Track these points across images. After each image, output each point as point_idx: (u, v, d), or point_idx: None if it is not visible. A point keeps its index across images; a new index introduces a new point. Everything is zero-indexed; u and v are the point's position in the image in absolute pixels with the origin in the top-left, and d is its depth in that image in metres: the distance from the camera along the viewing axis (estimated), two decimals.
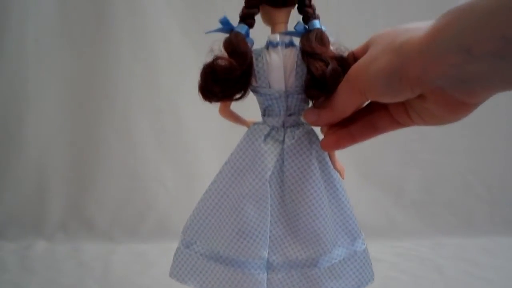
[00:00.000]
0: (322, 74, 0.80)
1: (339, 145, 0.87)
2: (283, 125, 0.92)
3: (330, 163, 0.96)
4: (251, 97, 0.93)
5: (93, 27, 2.07)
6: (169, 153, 2.14)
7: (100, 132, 2.11)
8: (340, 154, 2.35)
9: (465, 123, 2.37)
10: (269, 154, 0.92)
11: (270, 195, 0.94)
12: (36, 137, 2.08)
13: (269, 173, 0.92)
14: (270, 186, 0.93)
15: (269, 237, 0.96)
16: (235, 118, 0.99)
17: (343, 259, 0.99)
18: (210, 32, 0.88)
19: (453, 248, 1.88)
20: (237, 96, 0.89)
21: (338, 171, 0.98)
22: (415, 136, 2.19)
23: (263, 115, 0.94)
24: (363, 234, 1.02)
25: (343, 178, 0.99)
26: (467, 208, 2.14)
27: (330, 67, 0.81)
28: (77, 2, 2.06)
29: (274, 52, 0.86)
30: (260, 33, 0.91)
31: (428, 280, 1.62)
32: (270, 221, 0.95)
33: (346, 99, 0.77)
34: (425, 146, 2.19)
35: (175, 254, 1.04)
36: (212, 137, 2.09)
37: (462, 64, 0.55)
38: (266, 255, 0.96)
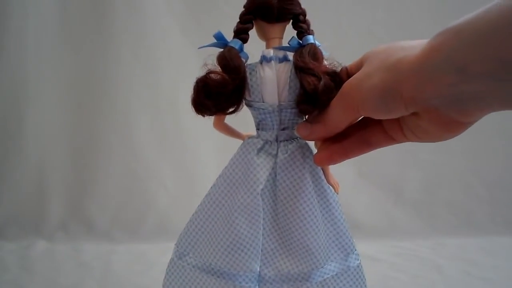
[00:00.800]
0: (314, 89, 0.80)
1: (332, 160, 0.86)
2: (277, 139, 0.92)
3: (323, 177, 0.95)
4: (248, 111, 0.93)
5: (93, 27, 2.07)
6: (169, 153, 2.14)
7: (100, 132, 2.11)
8: None
9: None
10: (262, 167, 0.92)
11: (263, 209, 0.94)
12: (36, 137, 2.08)
13: (261, 186, 0.92)
14: (263, 199, 0.94)
15: (261, 250, 0.96)
16: (230, 132, 1.00)
17: (336, 274, 0.97)
18: (204, 47, 0.89)
19: (453, 248, 1.88)
20: (230, 110, 0.89)
21: (332, 186, 0.97)
22: None
23: (257, 128, 0.95)
24: (356, 249, 1.00)
25: (337, 193, 0.98)
26: (467, 208, 2.14)
27: (322, 82, 0.80)
28: (77, 2, 2.06)
29: (268, 66, 0.87)
30: (257, 48, 0.92)
31: (428, 280, 1.62)
32: (263, 235, 0.95)
33: (339, 114, 0.77)
34: (425, 146, 2.19)
35: (168, 266, 1.04)
36: (212, 137, 2.09)
37: (457, 84, 0.54)
38: (258, 269, 0.95)
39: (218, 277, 0.98)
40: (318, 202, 0.95)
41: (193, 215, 1.03)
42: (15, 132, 2.07)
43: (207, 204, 1.00)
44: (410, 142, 2.39)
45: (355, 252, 1.00)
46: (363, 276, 1.01)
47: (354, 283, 1.00)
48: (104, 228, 2.00)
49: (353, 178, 2.15)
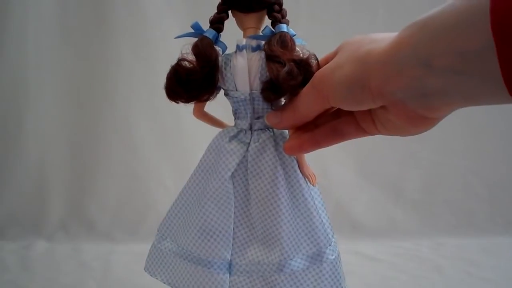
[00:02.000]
0: (276, 75, 0.81)
1: (302, 148, 0.85)
2: (251, 128, 0.94)
3: (297, 168, 0.94)
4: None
5: (93, 27, 2.06)
6: (169, 153, 2.13)
7: (100, 132, 2.11)
8: (340, 154, 2.34)
9: (465, 123, 2.37)
10: (231, 154, 0.94)
11: (236, 198, 0.95)
12: (36, 137, 2.08)
13: (229, 173, 0.94)
14: (236, 188, 0.95)
15: (234, 239, 0.96)
16: (211, 120, 1.03)
17: (307, 268, 0.97)
18: (180, 37, 0.92)
19: (453, 248, 1.88)
20: (204, 98, 0.93)
21: (307, 177, 0.96)
22: (415, 136, 2.18)
23: (234, 118, 0.97)
24: (333, 244, 0.99)
25: (313, 184, 0.97)
26: (467, 208, 2.13)
27: (285, 68, 0.81)
28: (77, 2, 2.06)
29: (240, 55, 0.88)
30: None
31: (428, 280, 1.62)
32: (235, 223, 0.96)
33: (309, 103, 0.76)
34: (425, 146, 2.19)
35: (150, 249, 1.08)
36: (212, 137, 2.09)
37: (421, 78, 0.54)
38: (229, 257, 0.97)
39: (193, 263, 0.99)
40: (291, 193, 0.95)
41: (173, 202, 1.07)
42: (15, 132, 2.07)
43: (184, 191, 1.05)
44: (410, 142, 2.38)
45: (329, 247, 0.98)
46: (339, 271, 1.00)
47: (327, 278, 0.98)
48: (104, 228, 2.00)
49: (353, 178, 2.15)
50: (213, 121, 1.04)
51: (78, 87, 2.10)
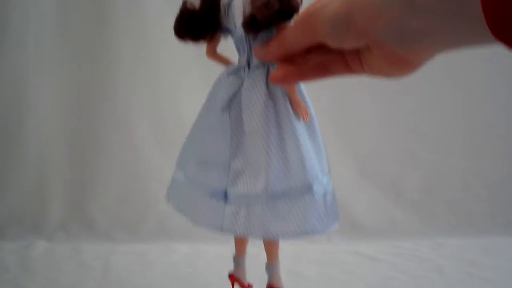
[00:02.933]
0: (253, 7, 0.89)
1: (287, 79, 0.89)
2: (249, 65, 1.02)
3: (289, 105, 1.01)
4: None
5: (93, 27, 2.07)
6: (169, 153, 2.13)
7: (100, 132, 2.11)
8: (340, 154, 2.33)
9: (465, 123, 2.36)
10: (225, 87, 1.03)
11: (232, 130, 1.04)
12: (36, 137, 2.08)
13: (222, 105, 1.03)
14: (232, 121, 1.04)
15: (229, 169, 1.05)
16: (222, 60, 1.10)
17: (290, 201, 1.02)
18: None
19: (453, 248, 1.88)
20: (208, 37, 1.01)
21: (298, 114, 1.02)
22: (415, 136, 2.19)
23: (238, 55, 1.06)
24: (322, 180, 1.03)
25: (304, 120, 1.02)
26: (467, 208, 2.14)
27: (262, 1, 0.88)
28: (77, 2, 2.06)
29: None
30: None
31: (428, 280, 1.62)
32: (231, 153, 1.05)
33: (296, 35, 0.80)
34: (425, 146, 2.19)
35: (170, 182, 1.21)
36: None
37: (403, 17, 0.56)
38: (225, 186, 1.05)
39: (195, 191, 1.12)
40: (278, 128, 1.01)
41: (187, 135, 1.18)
42: (15, 132, 2.07)
43: (193, 125, 1.16)
44: (410, 142, 2.37)
45: (316, 183, 1.03)
46: (321, 210, 1.04)
47: (309, 214, 1.03)
48: (104, 228, 2.00)
49: (353, 177, 2.15)
50: (224, 61, 1.10)
51: (78, 87, 2.10)
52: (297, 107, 0.99)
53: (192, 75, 2.03)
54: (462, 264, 1.73)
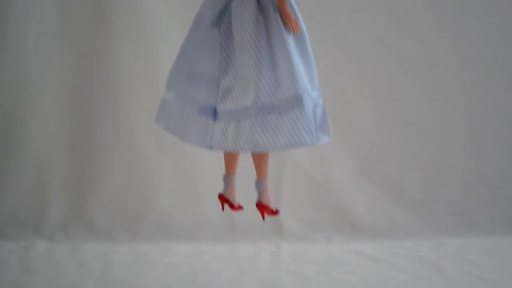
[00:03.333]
0: None
1: None
2: None
3: (279, 19, 1.03)
4: None
5: (93, 27, 2.07)
6: (169, 153, 2.14)
7: (100, 132, 2.11)
8: (340, 154, 2.33)
9: (465, 124, 2.36)
10: (215, 2, 1.05)
11: (222, 46, 1.05)
12: (36, 137, 2.08)
13: (211, 17, 1.05)
14: (222, 37, 1.05)
15: (219, 86, 1.07)
16: None
17: (279, 114, 1.03)
18: None
19: (453, 248, 1.88)
20: None
21: (288, 27, 1.03)
22: (415, 136, 2.18)
23: None
24: (314, 93, 1.05)
25: (295, 32, 1.03)
26: (467, 208, 2.13)
27: None
28: (77, 2, 2.06)
29: None
30: None
31: (428, 280, 1.62)
32: (221, 70, 1.06)
33: None
34: (425, 146, 2.19)
35: (160, 101, 1.21)
36: None
37: None
38: (214, 103, 1.08)
39: (184, 108, 1.13)
40: (269, 42, 1.02)
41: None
42: (15, 132, 2.07)
43: (181, 45, 1.16)
44: (410, 142, 2.35)
45: (305, 95, 1.04)
46: (312, 121, 1.05)
47: (298, 125, 1.04)
48: (104, 228, 2.00)
49: (353, 178, 2.15)
50: None
51: (78, 87, 2.10)
52: (287, 19, 1.01)
53: None
54: (462, 264, 1.73)
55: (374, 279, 1.59)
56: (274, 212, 1.24)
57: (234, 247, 1.82)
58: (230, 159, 1.26)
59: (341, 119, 2.15)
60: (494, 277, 1.63)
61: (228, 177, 1.29)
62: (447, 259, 1.78)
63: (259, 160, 1.18)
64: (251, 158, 1.18)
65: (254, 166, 1.21)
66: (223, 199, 1.31)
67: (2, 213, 2.00)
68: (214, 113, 1.07)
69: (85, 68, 2.09)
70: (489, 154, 2.20)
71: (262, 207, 1.22)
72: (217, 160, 2.04)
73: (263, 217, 1.24)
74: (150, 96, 2.13)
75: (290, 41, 1.02)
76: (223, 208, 1.32)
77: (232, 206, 1.31)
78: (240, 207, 1.32)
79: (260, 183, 1.22)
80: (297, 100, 1.02)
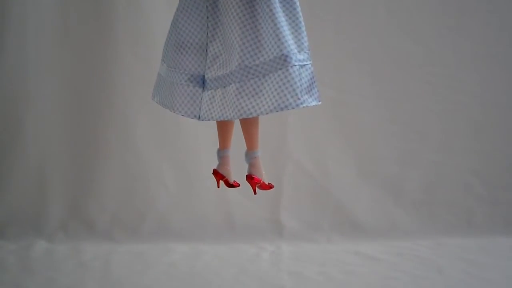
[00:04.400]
0: None
1: None
2: None
3: None
4: None
5: (93, 27, 2.07)
6: (169, 153, 2.14)
7: (100, 132, 2.11)
8: (340, 155, 2.33)
9: (465, 124, 2.36)
10: None
11: (210, 12, 1.04)
12: (36, 137, 2.08)
13: None
14: (210, 3, 1.04)
15: (208, 54, 1.06)
16: None
17: (263, 77, 1.01)
18: None
19: (453, 248, 1.88)
20: None
21: None
22: (415, 136, 2.18)
23: None
24: (301, 56, 1.02)
25: None
26: (467, 208, 2.14)
27: None
28: (77, 2, 2.06)
29: None
30: None
31: (428, 280, 1.62)
32: (209, 37, 1.05)
33: None
34: (425, 146, 2.19)
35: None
36: (212, 137, 2.09)
37: None
38: (202, 72, 1.06)
39: (174, 79, 1.12)
40: (253, 1, 1.01)
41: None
42: (15, 132, 2.07)
43: (173, 17, 1.14)
44: (410, 142, 2.35)
45: (292, 57, 1.02)
46: (297, 84, 1.02)
47: (283, 89, 1.01)
48: (104, 228, 2.00)
49: (353, 178, 2.15)
50: None
51: (78, 87, 2.10)
52: None
53: None
54: (462, 264, 1.73)
55: (374, 279, 1.60)
56: (267, 186, 1.17)
57: (234, 247, 1.82)
58: (223, 131, 1.21)
59: (341, 119, 2.15)
60: (494, 277, 1.63)
61: (222, 151, 1.23)
62: (447, 259, 1.79)
63: (248, 128, 1.12)
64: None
65: (244, 138, 1.15)
66: (218, 175, 1.23)
67: (2, 213, 2.01)
68: (203, 82, 1.06)
69: (85, 68, 2.09)
70: (489, 154, 2.20)
71: (252, 180, 1.14)
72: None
73: (254, 191, 1.17)
74: (150, 96, 2.13)
75: (275, 1, 1.00)
76: (218, 185, 1.24)
77: (227, 182, 1.23)
78: (236, 184, 1.24)
79: (250, 153, 1.15)
80: (281, 62, 1.00)
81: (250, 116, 1.03)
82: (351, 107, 2.15)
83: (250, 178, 1.15)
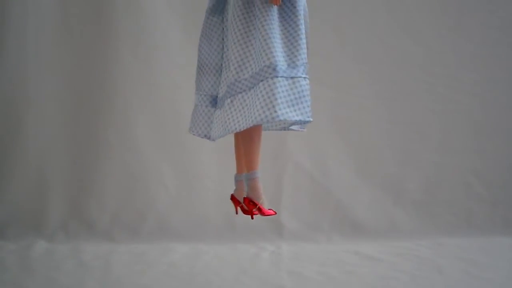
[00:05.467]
0: None
1: None
2: None
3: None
4: None
5: (93, 27, 2.07)
6: (169, 153, 2.14)
7: (100, 132, 2.11)
8: (340, 155, 2.33)
9: (465, 124, 2.36)
10: None
11: (225, 34, 1.06)
12: (36, 137, 2.08)
13: (209, 6, 1.07)
14: (225, 25, 1.06)
15: (222, 74, 1.08)
16: None
17: (250, 90, 1.01)
18: None
19: (453, 248, 1.89)
20: None
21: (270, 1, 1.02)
22: (415, 136, 2.19)
23: None
24: (293, 70, 1.02)
25: (276, 4, 1.01)
26: (467, 208, 2.14)
27: None
28: (77, 2, 2.07)
29: None
30: None
31: (428, 280, 1.62)
32: (223, 58, 1.08)
33: None
34: (425, 146, 2.19)
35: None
36: (212, 141, 2.09)
37: None
38: (216, 93, 1.09)
39: (199, 96, 1.13)
40: (251, 16, 1.02)
41: None
42: (15, 132, 2.07)
43: None
44: (410, 142, 2.36)
45: (276, 69, 1.00)
46: (278, 96, 1.00)
47: (265, 101, 0.99)
48: (104, 228, 2.00)
49: (353, 178, 2.15)
50: None
51: (78, 87, 2.10)
52: None
53: (192, 75, 2.02)
54: (462, 264, 1.73)
55: (374, 279, 1.60)
56: (266, 212, 1.09)
57: (234, 247, 1.82)
58: (238, 154, 1.17)
59: (341, 119, 2.15)
60: (494, 277, 1.63)
61: (237, 176, 1.18)
62: (447, 259, 1.79)
63: (243, 145, 1.08)
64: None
65: (244, 160, 1.12)
66: (236, 202, 1.17)
67: (2, 213, 2.01)
68: (215, 102, 1.09)
69: (85, 68, 2.09)
70: (489, 154, 2.20)
71: (249, 204, 1.09)
72: (217, 160, 2.04)
73: (251, 216, 1.10)
74: (150, 96, 2.13)
75: (273, 14, 0.99)
76: (236, 211, 1.18)
77: (242, 208, 1.16)
78: (268, 213, 1.13)
79: (247, 176, 1.09)
80: (263, 73, 1.00)
81: (232, 132, 1.03)
82: (351, 107, 2.15)
83: (247, 202, 1.10)
